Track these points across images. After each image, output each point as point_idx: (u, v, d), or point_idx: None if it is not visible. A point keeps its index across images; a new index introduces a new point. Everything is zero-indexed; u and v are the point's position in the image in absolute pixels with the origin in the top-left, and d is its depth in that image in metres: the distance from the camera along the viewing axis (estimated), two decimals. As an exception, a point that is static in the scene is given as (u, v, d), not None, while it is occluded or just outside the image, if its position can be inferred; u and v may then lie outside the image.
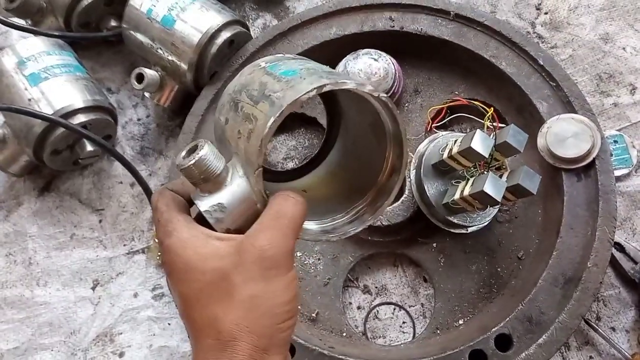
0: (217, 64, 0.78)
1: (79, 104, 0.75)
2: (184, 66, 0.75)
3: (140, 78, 0.76)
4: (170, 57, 0.76)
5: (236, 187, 0.43)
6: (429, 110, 0.76)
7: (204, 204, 0.42)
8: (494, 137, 0.62)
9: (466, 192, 0.62)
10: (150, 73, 0.76)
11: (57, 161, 0.79)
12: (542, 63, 0.73)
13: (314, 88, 0.40)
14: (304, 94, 0.40)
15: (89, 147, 0.77)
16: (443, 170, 0.68)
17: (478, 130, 0.61)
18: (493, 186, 0.60)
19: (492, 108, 0.66)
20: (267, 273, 0.38)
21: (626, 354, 0.67)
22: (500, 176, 0.63)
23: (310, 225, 0.48)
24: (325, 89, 0.40)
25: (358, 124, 0.53)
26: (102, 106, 0.78)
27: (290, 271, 0.40)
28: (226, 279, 0.39)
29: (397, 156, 0.47)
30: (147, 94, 0.80)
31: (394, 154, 0.48)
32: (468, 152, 0.61)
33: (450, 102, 0.77)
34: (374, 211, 0.48)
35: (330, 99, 0.56)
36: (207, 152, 0.41)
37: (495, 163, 0.65)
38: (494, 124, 0.64)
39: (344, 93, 0.50)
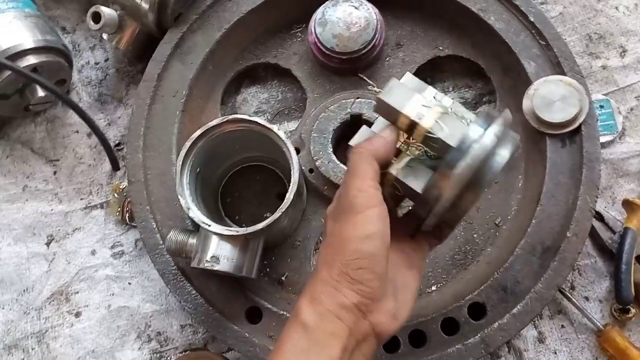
0: (182, 5, 0.71)
1: (29, 44, 0.68)
2: (145, 5, 0.68)
3: (96, 17, 0.69)
4: (130, -5, 0.69)
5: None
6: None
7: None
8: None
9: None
10: (108, 12, 0.69)
11: (5, 107, 0.72)
12: (532, 20, 0.68)
13: None
14: None
15: (41, 93, 0.70)
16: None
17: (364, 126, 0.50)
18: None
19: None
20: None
21: (598, 324, 0.66)
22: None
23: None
24: None
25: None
26: (55, 47, 0.71)
27: None
28: None
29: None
30: (105, 36, 0.73)
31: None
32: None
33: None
34: None
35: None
36: (169, 236, 0.60)
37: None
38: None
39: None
